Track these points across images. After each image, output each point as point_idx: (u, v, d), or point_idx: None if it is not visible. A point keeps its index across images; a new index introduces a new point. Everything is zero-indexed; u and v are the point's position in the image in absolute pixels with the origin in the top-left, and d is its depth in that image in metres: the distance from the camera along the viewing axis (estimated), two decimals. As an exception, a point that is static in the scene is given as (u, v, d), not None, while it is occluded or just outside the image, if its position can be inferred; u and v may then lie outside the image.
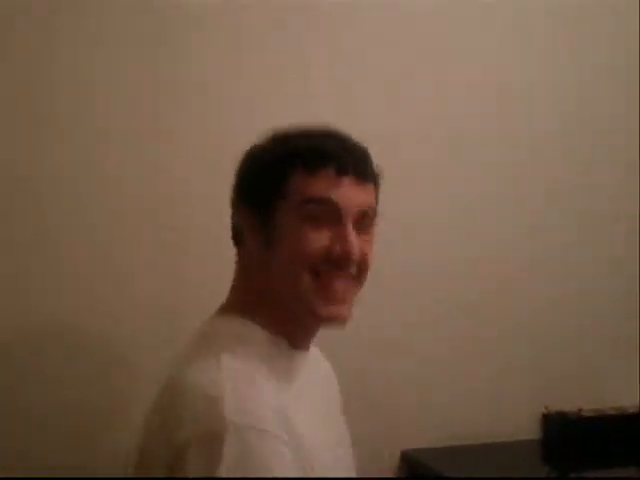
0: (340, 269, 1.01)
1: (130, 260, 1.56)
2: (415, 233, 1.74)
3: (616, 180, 1.91)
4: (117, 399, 1.55)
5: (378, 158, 1.08)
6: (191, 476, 0.87)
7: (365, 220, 1.05)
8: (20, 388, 1.49)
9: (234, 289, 1.10)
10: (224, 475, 0.85)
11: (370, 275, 1.06)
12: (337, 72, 1.69)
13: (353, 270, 1.03)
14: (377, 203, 1.09)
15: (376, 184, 1.09)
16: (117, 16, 1.55)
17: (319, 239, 1.01)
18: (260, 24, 1.64)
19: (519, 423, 1.81)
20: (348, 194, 1.02)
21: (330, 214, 1.01)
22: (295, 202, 1.02)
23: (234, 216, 1.11)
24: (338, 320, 1.04)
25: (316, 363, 1.18)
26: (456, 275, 1.78)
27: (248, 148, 1.10)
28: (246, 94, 1.63)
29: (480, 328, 1.80)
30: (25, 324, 1.51)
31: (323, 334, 1.09)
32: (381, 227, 1.09)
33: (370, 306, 1.27)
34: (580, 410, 1.79)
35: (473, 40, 1.80)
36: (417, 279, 1.75)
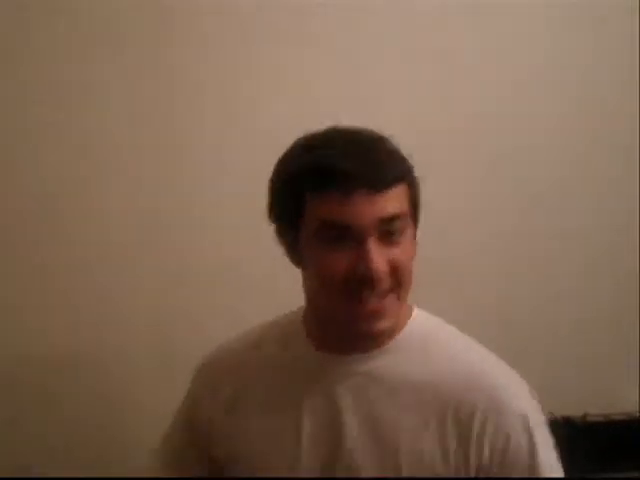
0: (369, 286, 0.98)
1: (132, 270, 1.56)
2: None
3: (616, 177, 1.90)
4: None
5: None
6: None
7: (393, 228, 1.00)
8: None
9: None
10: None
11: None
12: (337, 71, 1.68)
13: (385, 285, 0.99)
14: (413, 200, 1.04)
15: (406, 182, 1.02)
16: (117, 16, 1.55)
17: (340, 261, 0.98)
18: (260, 24, 1.63)
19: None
20: (361, 210, 0.97)
21: (347, 234, 0.98)
22: (311, 225, 1.00)
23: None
24: (377, 334, 1.03)
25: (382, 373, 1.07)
26: (455, 278, 1.77)
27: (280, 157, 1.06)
28: (247, 94, 1.62)
29: (481, 333, 1.78)
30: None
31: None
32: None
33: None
34: (585, 415, 1.77)
35: (477, 39, 1.79)
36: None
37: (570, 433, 1.77)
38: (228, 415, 1.13)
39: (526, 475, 1.03)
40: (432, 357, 1.08)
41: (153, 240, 1.59)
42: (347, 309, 1.00)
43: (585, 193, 1.88)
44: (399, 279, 1.01)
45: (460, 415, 1.03)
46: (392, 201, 0.99)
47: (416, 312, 1.12)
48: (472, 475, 1.02)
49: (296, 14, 1.65)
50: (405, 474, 1.02)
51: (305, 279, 1.07)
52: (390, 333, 1.06)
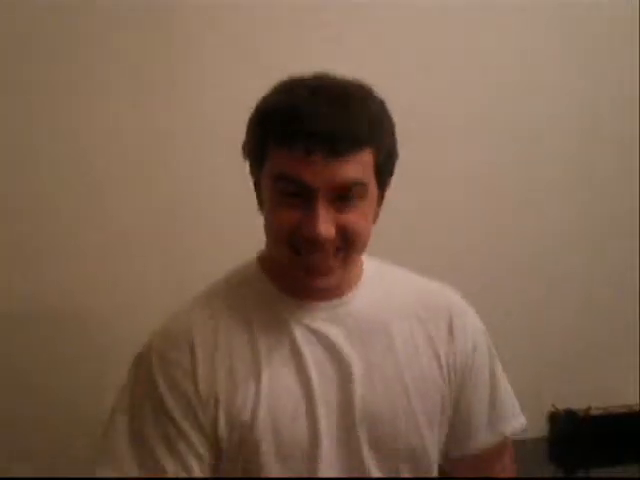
0: (313, 249, 0.99)
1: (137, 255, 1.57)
2: (414, 233, 1.73)
3: (617, 180, 1.89)
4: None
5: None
6: None
7: (349, 194, 0.98)
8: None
9: None
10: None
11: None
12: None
13: (330, 248, 0.99)
14: (380, 166, 1.02)
15: (371, 147, 0.99)
16: (117, 15, 1.55)
17: (290, 218, 0.98)
18: (260, 24, 1.63)
19: (526, 421, 1.80)
20: (317, 172, 0.96)
21: (302, 192, 0.97)
22: (271, 176, 1.00)
23: None
24: (317, 289, 1.04)
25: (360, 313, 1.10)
26: (456, 270, 1.77)
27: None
28: (246, 93, 1.62)
29: (485, 325, 1.78)
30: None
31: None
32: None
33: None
34: (589, 408, 1.78)
35: (477, 40, 1.77)
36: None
37: (573, 426, 1.78)
38: (228, 375, 1.04)
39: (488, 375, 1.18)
40: (393, 289, 1.14)
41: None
42: (291, 262, 1.01)
43: (584, 192, 1.87)
44: (349, 244, 1.00)
45: (435, 319, 1.13)
46: (351, 167, 0.97)
47: (366, 260, 1.15)
48: (459, 374, 1.13)
49: (297, 12, 1.65)
50: (411, 388, 1.08)
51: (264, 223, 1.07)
52: (353, 280, 1.11)
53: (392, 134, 1.04)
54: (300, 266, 1.01)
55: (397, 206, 1.18)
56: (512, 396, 1.22)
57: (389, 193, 1.07)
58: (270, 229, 1.03)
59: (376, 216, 1.06)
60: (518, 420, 1.21)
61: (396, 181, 1.08)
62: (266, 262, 1.11)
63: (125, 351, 1.08)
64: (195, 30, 1.59)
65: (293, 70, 1.03)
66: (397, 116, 1.03)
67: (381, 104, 1.03)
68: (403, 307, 1.12)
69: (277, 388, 1.03)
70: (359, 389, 1.05)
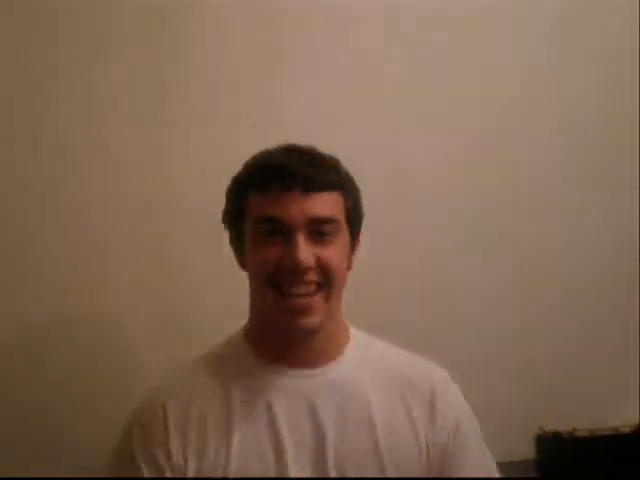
0: (296, 277, 1.07)
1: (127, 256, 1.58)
2: (412, 244, 1.74)
3: (621, 179, 1.90)
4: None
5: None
6: None
7: (323, 228, 1.09)
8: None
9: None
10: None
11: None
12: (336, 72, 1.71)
13: (311, 277, 1.08)
14: (349, 211, 1.14)
15: (340, 191, 1.12)
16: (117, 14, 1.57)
17: (271, 253, 1.08)
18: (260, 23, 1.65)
19: (513, 444, 1.80)
20: (293, 208, 1.07)
21: (280, 230, 1.08)
22: (251, 222, 1.11)
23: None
24: (303, 330, 1.10)
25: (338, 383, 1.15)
26: (448, 294, 1.78)
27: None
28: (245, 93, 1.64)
29: (472, 349, 1.79)
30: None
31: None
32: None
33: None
34: (574, 430, 1.78)
35: (479, 46, 1.81)
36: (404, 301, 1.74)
37: (560, 449, 1.79)
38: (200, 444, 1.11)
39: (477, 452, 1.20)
40: (377, 362, 1.19)
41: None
42: (275, 302, 1.09)
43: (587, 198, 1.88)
44: (327, 277, 1.09)
45: (417, 396, 1.17)
46: (324, 204, 1.10)
47: (353, 331, 1.22)
48: (440, 451, 1.15)
49: (298, 12, 1.68)
50: (386, 459, 1.12)
51: (249, 283, 1.15)
52: (336, 351, 1.17)
53: (357, 190, 1.17)
54: (285, 308, 1.08)
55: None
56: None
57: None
58: (254, 270, 1.12)
59: (351, 263, 1.17)
60: None
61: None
62: (249, 333, 1.19)
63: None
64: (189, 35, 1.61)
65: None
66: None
67: (346, 170, 1.17)
68: (385, 381, 1.18)
69: (248, 450, 1.09)
70: (332, 456, 1.10)
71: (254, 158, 1.15)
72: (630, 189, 1.90)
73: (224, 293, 1.53)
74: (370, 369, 1.18)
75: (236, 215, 1.14)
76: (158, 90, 1.60)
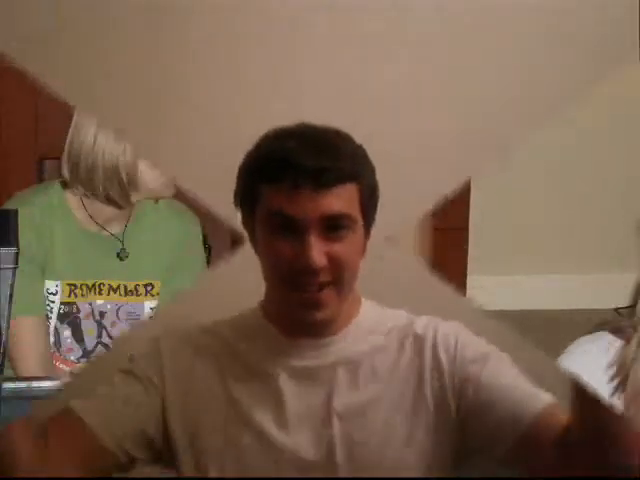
0: (308, 278, 1.08)
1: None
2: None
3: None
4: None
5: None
6: None
7: (336, 225, 1.08)
8: None
9: None
10: None
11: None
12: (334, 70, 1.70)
13: (324, 278, 1.08)
14: (365, 202, 1.12)
15: (356, 183, 1.10)
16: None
17: (284, 251, 1.08)
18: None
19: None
20: (305, 205, 1.06)
21: (293, 226, 1.08)
22: (263, 214, 1.11)
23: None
24: (313, 324, 1.12)
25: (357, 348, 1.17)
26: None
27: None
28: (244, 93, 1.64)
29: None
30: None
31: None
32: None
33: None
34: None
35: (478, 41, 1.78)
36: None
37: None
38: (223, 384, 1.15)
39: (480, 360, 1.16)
40: (383, 325, 1.20)
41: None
42: (287, 297, 1.11)
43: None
44: (339, 274, 1.10)
45: (416, 346, 1.16)
46: (337, 200, 1.08)
47: (364, 304, 1.22)
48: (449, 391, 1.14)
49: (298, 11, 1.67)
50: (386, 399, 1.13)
51: (261, 265, 1.16)
52: (340, 324, 1.17)
53: (373, 173, 1.15)
54: (297, 302, 1.10)
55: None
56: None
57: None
58: (267, 266, 1.12)
59: (361, 252, 1.15)
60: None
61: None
62: (265, 307, 1.20)
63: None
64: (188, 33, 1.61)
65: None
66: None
67: (361, 147, 1.14)
68: (391, 341, 1.19)
69: (244, 395, 1.12)
70: (339, 424, 1.12)
71: (266, 140, 1.13)
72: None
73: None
74: (377, 332, 1.19)
75: (247, 199, 1.14)
76: (158, 90, 1.60)
